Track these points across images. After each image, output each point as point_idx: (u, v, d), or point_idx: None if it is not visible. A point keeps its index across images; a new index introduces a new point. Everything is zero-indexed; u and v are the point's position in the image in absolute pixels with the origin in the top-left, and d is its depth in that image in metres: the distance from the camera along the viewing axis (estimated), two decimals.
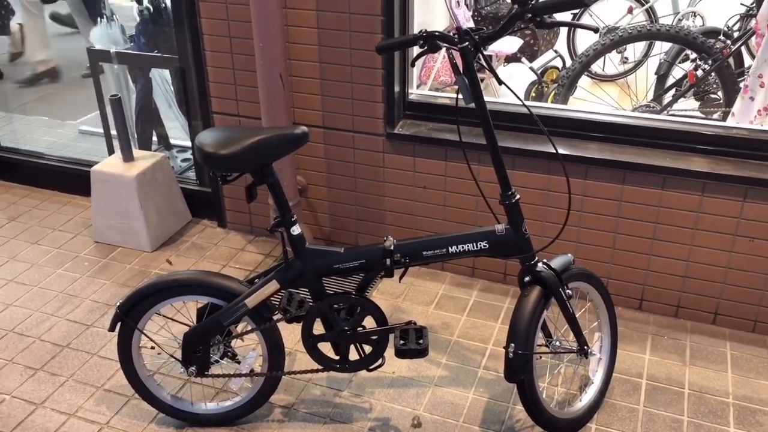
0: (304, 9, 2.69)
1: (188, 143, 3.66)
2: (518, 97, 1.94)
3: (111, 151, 3.58)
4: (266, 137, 1.89)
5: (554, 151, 2.08)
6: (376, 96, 2.76)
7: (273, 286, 2.04)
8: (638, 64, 4.94)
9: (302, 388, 2.40)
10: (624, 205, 2.59)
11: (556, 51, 4.78)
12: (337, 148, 2.93)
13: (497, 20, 4.46)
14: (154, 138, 3.77)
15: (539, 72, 4.50)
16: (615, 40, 3.26)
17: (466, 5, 4.50)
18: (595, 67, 4.91)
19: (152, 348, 2.19)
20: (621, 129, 2.58)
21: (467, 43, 1.84)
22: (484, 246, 2.00)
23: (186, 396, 2.30)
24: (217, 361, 2.19)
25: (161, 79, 3.65)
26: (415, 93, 2.85)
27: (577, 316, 2.13)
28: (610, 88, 4.69)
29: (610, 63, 4.92)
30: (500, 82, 1.91)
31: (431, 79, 4.10)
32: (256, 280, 2.09)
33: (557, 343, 2.19)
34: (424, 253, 2.01)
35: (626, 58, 4.98)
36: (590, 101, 3.79)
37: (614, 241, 2.66)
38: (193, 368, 2.13)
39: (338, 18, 2.67)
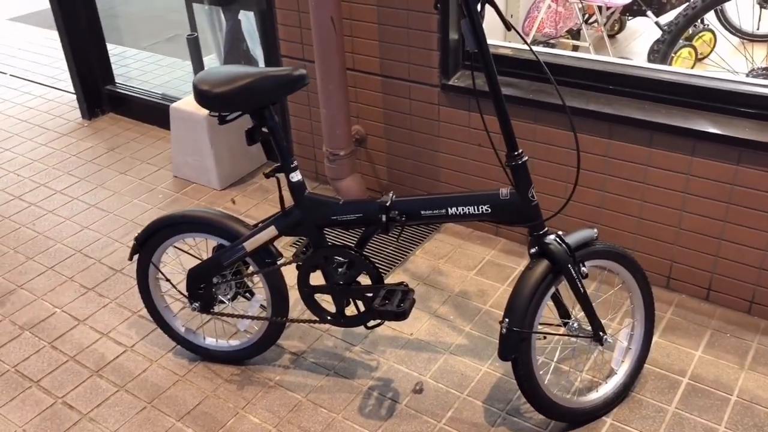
0: None
1: None
2: (527, 43, 1.73)
3: None
4: (259, 78, 1.84)
5: (563, 103, 1.83)
6: (431, 43, 2.59)
7: (271, 231, 2.02)
8: None
9: (317, 337, 2.38)
10: (692, 179, 2.26)
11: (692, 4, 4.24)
12: (394, 98, 2.81)
13: None
14: None
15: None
16: None
17: None
18: (746, 26, 4.31)
19: (167, 281, 2.26)
20: (689, 91, 2.23)
21: None
22: (486, 210, 1.83)
23: (199, 330, 2.36)
24: (231, 300, 2.21)
25: (253, 22, 3.70)
26: None
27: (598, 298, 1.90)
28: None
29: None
30: (508, 27, 1.70)
31: (534, 30, 3.81)
32: (260, 224, 2.07)
33: (575, 325, 1.97)
34: (422, 212, 1.88)
35: None
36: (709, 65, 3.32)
37: (680, 220, 2.34)
38: (197, 304, 2.18)
39: None
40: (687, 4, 2.97)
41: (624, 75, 2.33)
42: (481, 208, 1.84)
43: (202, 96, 1.86)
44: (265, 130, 1.92)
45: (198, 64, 3.16)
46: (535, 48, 2.85)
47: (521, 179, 1.79)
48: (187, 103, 3.27)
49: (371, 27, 2.72)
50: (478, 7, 1.68)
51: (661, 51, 2.99)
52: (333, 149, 2.85)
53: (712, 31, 4.03)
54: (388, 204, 1.88)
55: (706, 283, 2.39)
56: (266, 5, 3.00)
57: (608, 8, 4.00)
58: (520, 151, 1.78)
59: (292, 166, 1.96)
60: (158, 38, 5.38)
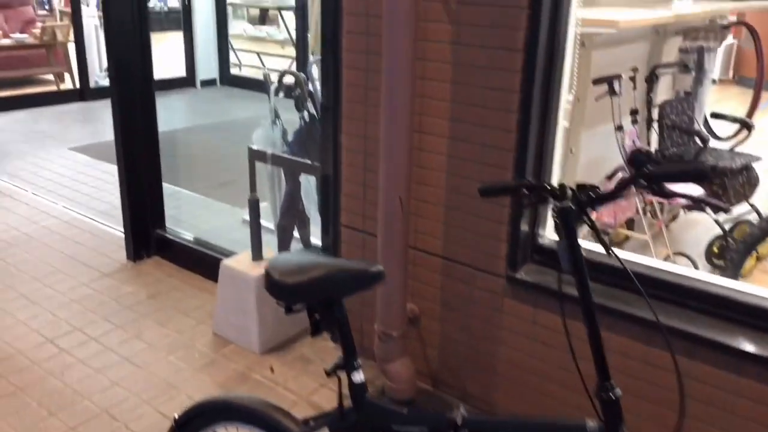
0: (435, 135, 2.58)
1: None
2: (619, 260, 1.62)
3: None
4: (334, 270, 1.75)
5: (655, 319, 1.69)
6: (500, 234, 2.52)
7: None
8: None
9: None
10: None
11: (752, 205, 4.18)
12: (455, 281, 2.71)
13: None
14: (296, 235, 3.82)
15: (728, 226, 3.94)
16: None
17: (648, 144, 4.14)
18: None
19: None
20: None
21: (571, 203, 1.58)
22: None
23: None
24: None
25: (313, 183, 3.72)
26: (545, 237, 2.57)
27: None
28: None
29: None
30: (607, 250, 1.60)
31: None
32: (311, 422, 1.90)
33: None
34: None
35: None
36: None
37: None
38: None
39: (469, 148, 2.51)
40: (765, 216, 2.90)
41: (721, 297, 2.19)
42: None
43: (273, 285, 1.76)
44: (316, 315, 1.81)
45: (256, 227, 3.12)
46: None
47: (612, 415, 1.61)
48: (238, 262, 3.20)
49: (438, 209, 2.67)
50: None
51: (735, 260, 2.89)
52: (386, 329, 2.72)
53: None
54: (459, 422, 1.71)
55: None
56: (333, 174, 2.99)
57: (668, 203, 3.97)
58: (611, 381, 1.62)
59: (355, 364, 1.81)
60: (211, 182, 5.47)
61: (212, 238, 4.05)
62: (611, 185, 3.78)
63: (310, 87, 3.53)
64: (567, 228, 1.58)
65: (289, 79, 3.75)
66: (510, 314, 2.58)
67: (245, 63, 10.00)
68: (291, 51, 9.72)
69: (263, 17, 13.27)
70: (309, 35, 8.45)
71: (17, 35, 8.32)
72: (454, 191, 2.61)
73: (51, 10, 12.26)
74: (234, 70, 9.61)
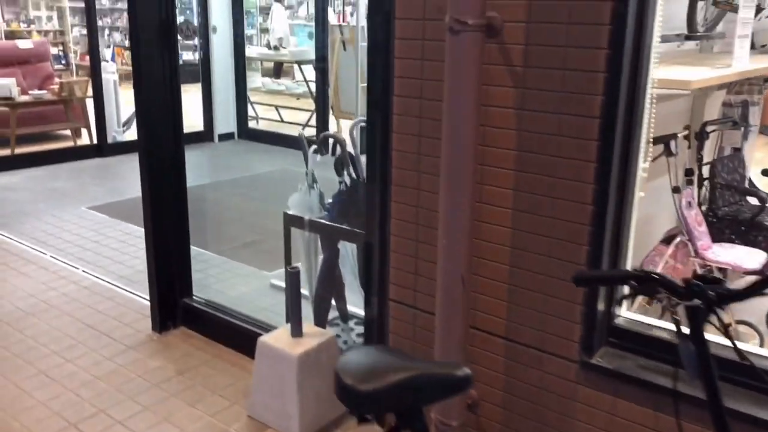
0: (498, 205, 2.39)
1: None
2: (754, 366, 1.39)
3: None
4: (416, 375, 1.53)
5: None
6: (573, 315, 2.30)
7: None
8: None
9: None
10: None
11: None
12: (520, 366, 2.47)
13: (736, 224, 3.81)
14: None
15: None
16: None
17: (699, 205, 3.93)
18: None
19: None
20: None
21: (699, 301, 1.37)
22: None
23: None
24: None
25: (351, 251, 3.51)
26: (623, 317, 2.35)
27: None
28: None
29: None
30: (740, 356, 1.38)
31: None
32: None
33: None
34: None
35: None
36: None
37: None
38: None
39: (537, 221, 2.31)
40: None
41: None
42: None
43: (345, 391, 1.54)
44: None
45: (296, 301, 2.91)
46: (648, 321, 2.50)
47: None
48: (276, 338, 2.98)
49: (499, 286, 2.46)
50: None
51: None
52: (444, 418, 2.47)
53: None
54: None
55: None
56: (380, 245, 2.79)
57: (732, 269, 3.74)
58: None
59: None
60: (235, 242, 5.27)
61: (240, 305, 3.84)
62: (669, 251, 3.55)
63: (350, 149, 3.36)
64: (695, 329, 1.36)
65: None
66: (584, 403, 2.34)
67: (261, 116, 9.95)
68: (307, 103, 9.67)
69: (278, 70, 13.34)
70: (329, 89, 8.40)
71: (36, 92, 8.26)
72: (518, 267, 2.40)
73: (67, 64, 12.35)
74: (252, 124, 9.53)
